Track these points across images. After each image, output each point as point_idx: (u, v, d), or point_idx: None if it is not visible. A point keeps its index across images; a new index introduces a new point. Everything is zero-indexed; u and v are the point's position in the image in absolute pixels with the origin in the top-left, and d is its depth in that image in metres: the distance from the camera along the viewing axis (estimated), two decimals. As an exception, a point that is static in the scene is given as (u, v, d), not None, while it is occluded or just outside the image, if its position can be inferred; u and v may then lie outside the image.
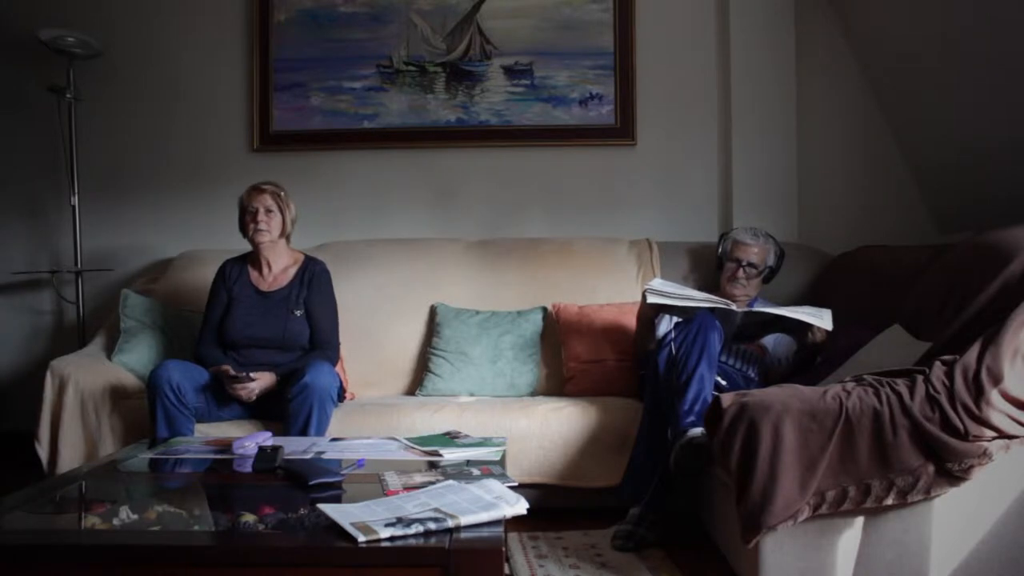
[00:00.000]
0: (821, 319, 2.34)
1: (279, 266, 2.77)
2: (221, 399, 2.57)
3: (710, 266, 3.09)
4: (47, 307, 3.69)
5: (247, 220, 2.71)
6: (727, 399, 1.73)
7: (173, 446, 2.17)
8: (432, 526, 1.34)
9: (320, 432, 2.42)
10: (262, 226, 2.67)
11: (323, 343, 2.71)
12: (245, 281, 2.75)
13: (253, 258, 2.79)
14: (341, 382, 2.65)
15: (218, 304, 2.76)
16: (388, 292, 3.20)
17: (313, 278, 2.75)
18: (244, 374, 2.46)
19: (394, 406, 2.70)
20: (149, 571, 1.35)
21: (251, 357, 2.65)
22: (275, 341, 2.66)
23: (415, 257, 3.29)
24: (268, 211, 2.68)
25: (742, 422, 1.67)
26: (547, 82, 3.56)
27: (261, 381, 2.50)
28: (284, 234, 2.75)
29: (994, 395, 1.58)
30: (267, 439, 2.10)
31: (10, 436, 3.38)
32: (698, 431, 2.11)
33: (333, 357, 2.71)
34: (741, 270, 2.81)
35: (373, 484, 1.68)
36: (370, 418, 2.60)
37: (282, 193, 2.73)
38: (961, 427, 1.58)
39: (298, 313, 2.69)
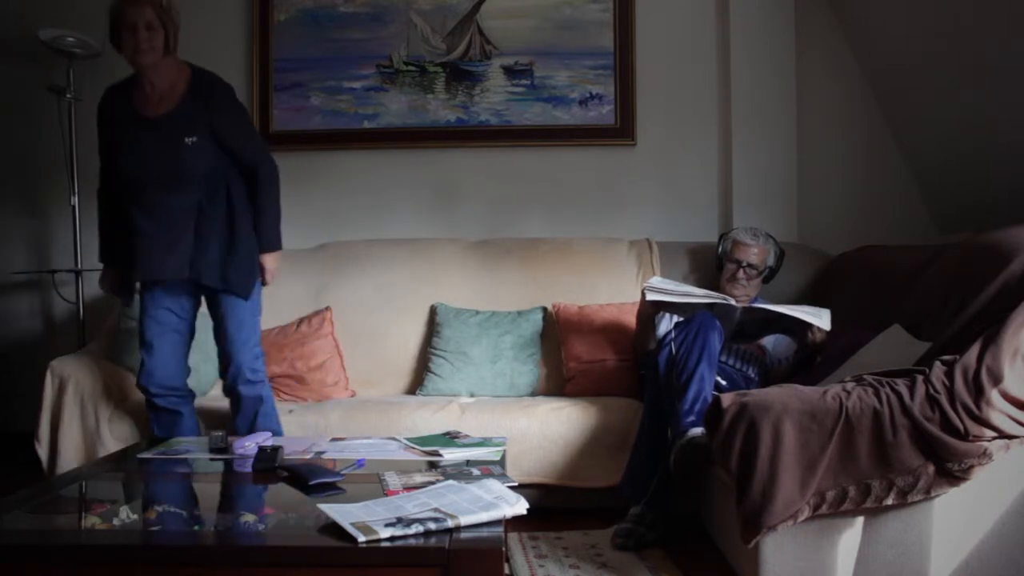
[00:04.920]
0: (820, 319, 2.34)
1: (165, 83, 2.37)
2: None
3: (710, 266, 3.09)
4: (47, 307, 3.68)
5: (125, 36, 2.29)
6: (727, 399, 1.73)
7: (173, 446, 2.17)
8: (432, 526, 1.34)
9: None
10: (143, 45, 2.27)
11: (255, 163, 2.42)
12: (128, 109, 2.38)
13: (135, 80, 2.40)
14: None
15: (105, 145, 2.45)
16: (388, 292, 3.20)
17: (211, 97, 2.38)
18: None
19: (394, 406, 2.70)
20: (149, 571, 1.35)
21: (146, 200, 2.36)
22: (169, 176, 2.34)
23: (415, 257, 3.28)
24: (149, 27, 2.28)
25: (742, 422, 1.67)
26: (547, 82, 3.56)
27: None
28: (168, 50, 2.35)
29: (994, 395, 1.58)
30: (267, 439, 2.10)
31: (10, 436, 3.38)
32: (698, 431, 2.11)
33: (273, 172, 2.45)
34: (741, 271, 2.81)
35: (373, 484, 1.68)
36: (370, 418, 2.60)
37: (164, 2, 2.32)
38: (961, 427, 1.58)
39: (189, 140, 2.33)
